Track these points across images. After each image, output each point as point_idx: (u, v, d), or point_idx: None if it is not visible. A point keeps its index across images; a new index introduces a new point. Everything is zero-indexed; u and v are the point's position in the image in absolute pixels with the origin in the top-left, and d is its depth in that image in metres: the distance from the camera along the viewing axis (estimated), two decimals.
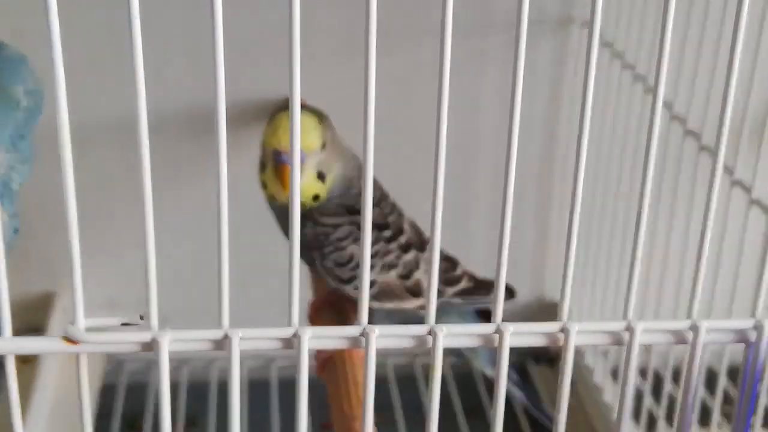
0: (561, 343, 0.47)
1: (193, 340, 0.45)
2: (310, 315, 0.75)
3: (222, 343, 0.44)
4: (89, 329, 0.44)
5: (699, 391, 0.78)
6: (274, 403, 0.97)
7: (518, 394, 0.82)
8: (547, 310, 1.01)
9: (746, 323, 0.47)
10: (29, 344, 0.45)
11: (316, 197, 0.67)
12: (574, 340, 0.47)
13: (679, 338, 0.47)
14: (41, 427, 0.86)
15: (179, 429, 0.94)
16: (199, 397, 0.98)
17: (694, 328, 0.47)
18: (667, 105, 0.79)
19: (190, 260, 0.90)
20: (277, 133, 0.66)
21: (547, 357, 1.04)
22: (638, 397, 0.86)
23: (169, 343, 0.44)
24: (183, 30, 0.84)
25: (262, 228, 0.75)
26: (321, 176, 0.67)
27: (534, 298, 1.01)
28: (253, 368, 1.00)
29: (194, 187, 0.92)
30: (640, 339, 0.46)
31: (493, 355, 0.77)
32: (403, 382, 0.98)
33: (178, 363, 1.01)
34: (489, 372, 0.77)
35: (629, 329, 0.46)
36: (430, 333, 0.46)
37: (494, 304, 0.47)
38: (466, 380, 0.98)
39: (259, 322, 0.45)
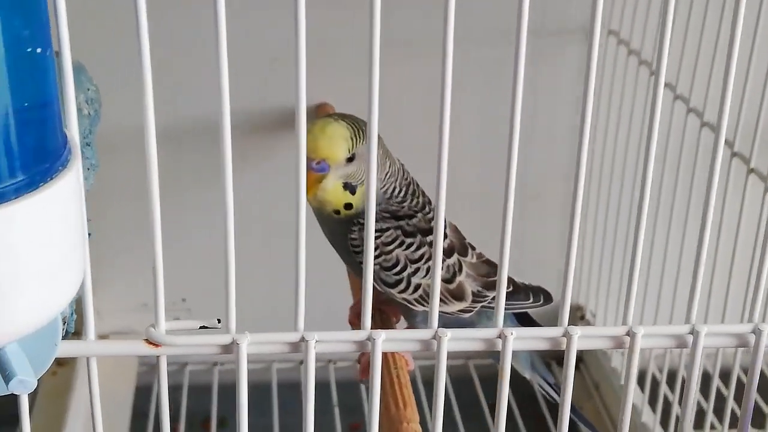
0: (563, 347, 0.48)
1: (271, 342, 0.46)
2: (350, 319, 0.76)
3: (298, 346, 0.46)
4: (168, 332, 0.46)
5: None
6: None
7: (557, 396, 0.84)
8: (574, 314, 1.03)
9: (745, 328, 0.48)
10: (112, 347, 0.47)
11: (348, 206, 0.68)
12: (576, 345, 0.48)
13: (680, 342, 0.48)
14: (81, 425, 0.88)
15: (212, 428, 0.96)
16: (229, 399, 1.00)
17: (695, 333, 0.48)
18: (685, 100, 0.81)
19: (253, 264, 0.92)
20: (318, 143, 0.67)
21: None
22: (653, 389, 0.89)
23: (247, 346, 0.45)
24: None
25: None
26: (348, 187, 0.68)
27: (557, 304, 1.03)
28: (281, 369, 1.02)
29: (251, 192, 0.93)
30: (642, 343, 0.47)
31: (532, 359, 0.79)
32: (457, 384, 1.00)
33: (209, 366, 1.03)
34: (528, 375, 0.79)
35: (630, 334, 0.48)
36: (434, 337, 0.47)
37: (496, 307, 0.48)
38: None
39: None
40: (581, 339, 0.47)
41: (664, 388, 0.87)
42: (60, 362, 0.97)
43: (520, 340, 0.47)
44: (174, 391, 1.00)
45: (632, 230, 0.86)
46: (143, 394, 0.98)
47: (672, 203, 0.85)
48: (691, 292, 0.48)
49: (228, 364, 1.01)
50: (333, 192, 0.68)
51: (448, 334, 0.46)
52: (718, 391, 0.83)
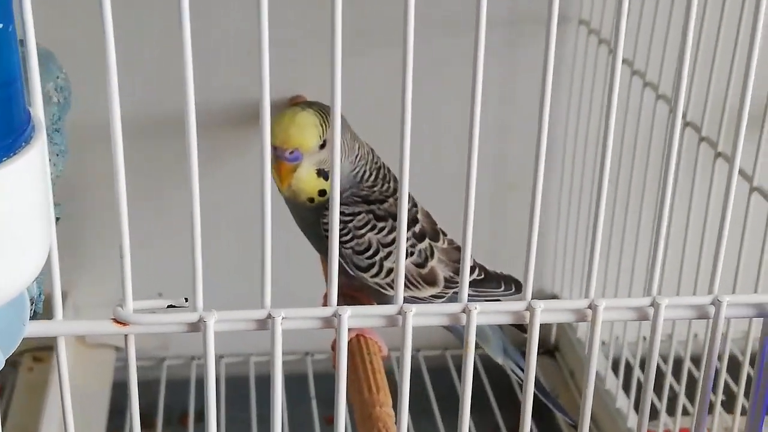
0: (527, 320, 0.49)
1: (238, 320, 0.47)
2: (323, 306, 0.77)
3: (265, 323, 0.46)
4: (136, 311, 0.46)
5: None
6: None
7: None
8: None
9: (763, 298, 0.49)
10: (79, 327, 0.47)
11: (322, 192, 0.69)
12: (539, 318, 0.48)
13: (642, 314, 0.49)
14: (58, 420, 0.88)
15: (190, 422, 0.96)
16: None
17: (716, 303, 0.49)
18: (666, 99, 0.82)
19: (225, 251, 0.92)
20: (275, 130, 0.68)
21: (546, 349, 1.06)
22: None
23: (214, 323, 0.46)
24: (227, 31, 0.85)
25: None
26: (322, 173, 0.69)
27: (535, 290, 1.03)
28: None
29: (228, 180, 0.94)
30: (604, 315, 0.48)
31: (504, 345, 0.80)
32: (434, 373, 1.02)
33: (187, 360, 1.03)
34: (501, 361, 0.79)
35: (592, 307, 0.48)
36: (399, 313, 0.47)
37: (460, 286, 0.48)
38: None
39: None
40: (544, 312, 0.48)
41: (637, 372, 0.88)
42: (37, 358, 0.98)
43: (484, 314, 0.48)
44: (151, 386, 1.00)
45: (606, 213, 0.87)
46: (121, 390, 0.98)
47: (642, 190, 0.86)
48: (652, 266, 0.49)
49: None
50: (307, 180, 0.69)
51: (413, 309, 0.47)
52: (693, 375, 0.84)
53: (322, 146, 0.68)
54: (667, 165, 0.47)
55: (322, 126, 0.68)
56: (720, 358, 0.74)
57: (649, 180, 0.86)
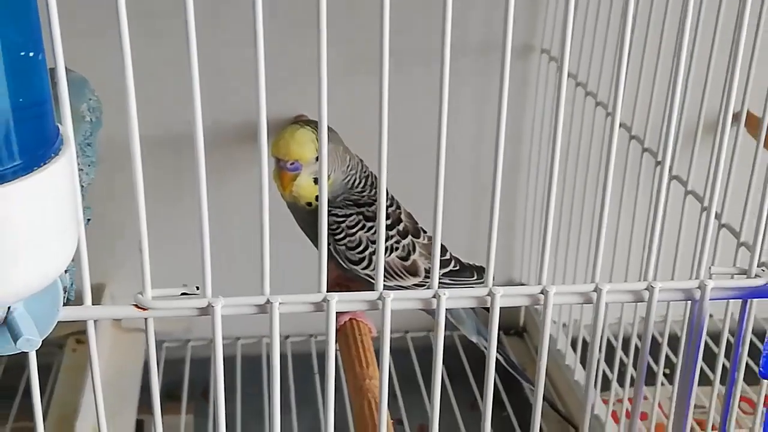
0: (488, 304, 0.49)
1: (241, 305, 0.47)
2: None
3: (264, 307, 0.47)
4: (155, 298, 0.46)
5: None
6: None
7: (500, 357, 0.85)
8: None
9: (693, 284, 0.50)
10: (104, 311, 0.48)
11: (318, 197, 0.70)
12: (498, 302, 0.48)
13: (586, 298, 0.49)
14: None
15: (211, 397, 0.96)
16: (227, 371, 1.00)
17: (598, 290, 0.49)
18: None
19: (232, 246, 0.92)
20: (278, 144, 0.70)
21: (516, 330, 1.07)
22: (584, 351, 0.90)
23: (221, 308, 0.46)
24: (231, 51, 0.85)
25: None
26: (318, 182, 0.70)
27: (504, 279, 1.04)
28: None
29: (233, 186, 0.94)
30: (555, 299, 0.48)
31: (477, 326, 0.80)
32: (420, 351, 1.01)
33: (208, 342, 1.03)
34: (475, 339, 0.80)
35: (544, 292, 0.48)
36: (379, 298, 0.48)
37: (432, 276, 0.48)
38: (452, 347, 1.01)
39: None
40: (503, 297, 0.48)
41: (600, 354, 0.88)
42: (79, 340, 0.98)
43: (452, 299, 0.48)
44: (177, 365, 1.00)
45: (564, 212, 0.87)
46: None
47: (592, 197, 0.86)
48: (595, 256, 0.49)
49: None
50: (306, 187, 0.70)
51: (391, 295, 0.47)
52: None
53: (317, 158, 0.69)
54: (606, 171, 0.47)
55: (316, 141, 0.68)
56: (661, 335, 0.74)
57: (596, 187, 0.86)
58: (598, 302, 0.48)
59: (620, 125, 0.76)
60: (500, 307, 0.48)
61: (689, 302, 0.51)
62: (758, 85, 0.61)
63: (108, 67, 0.76)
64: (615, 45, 0.83)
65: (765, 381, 0.58)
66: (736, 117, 0.66)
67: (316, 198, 0.70)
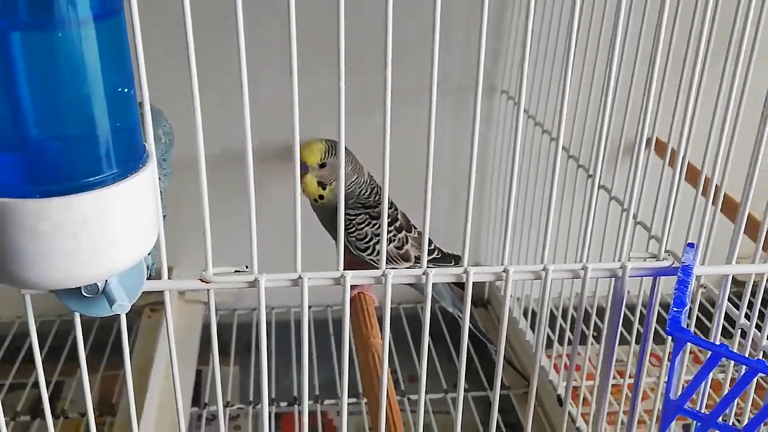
0: (463, 279, 0.49)
1: (279, 279, 0.47)
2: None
3: (297, 281, 0.47)
4: (215, 274, 0.47)
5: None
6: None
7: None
8: None
9: (616, 265, 0.50)
10: (177, 284, 0.48)
11: (320, 197, 0.71)
12: (472, 278, 0.48)
13: (536, 275, 0.49)
14: (167, 351, 0.88)
15: (252, 352, 0.96)
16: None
17: (545, 270, 0.49)
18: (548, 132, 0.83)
19: (273, 234, 0.92)
20: (303, 152, 0.70)
21: (481, 302, 1.07)
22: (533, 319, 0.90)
23: (265, 281, 0.47)
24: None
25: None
26: (321, 184, 0.71)
27: (473, 263, 1.04)
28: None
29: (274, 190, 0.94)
30: (513, 276, 0.48)
31: (454, 300, 0.80)
32: (410, 319, 1.01)
33: (251, 311, 1.03)
34: (451, 310, 0.80)
35: (506, 271, 0.48)
36: (383, 275, 0.48)
37: (422, 260, 0.48)
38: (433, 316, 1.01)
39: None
40: (475, 275, 0.49)
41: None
42: (153, 309, 0.98)
43: (437, 276, 0.49)
44: (227, 328, 1.00)
45: (520, 212, 0.86)
46: (207, 331, 0.99)
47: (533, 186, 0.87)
48: (543, 245, 0.50)
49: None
50: (310, 185, 0.71)
51: (391, 273, 0.48)
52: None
53: (322, 165, 0.70)
54: (552, 182, 0.48)
55: (326, 152, 0.70)
56: (591, 306, 0.74)
57: (543, 194, 0.86)
58: (545, 279, 0.49)
59: (562, 148, 0.77)
60: (472, 282, 0.49)
61: (613, 279, 0.51)
62: (665, 118, 0.62)
63: (178, 100, 0.76)
64: (557, 90, 0.83)
65: (669, 338, 0.59)
66: (648, 142, 0.67)
67: (319, 197, 0.71)
